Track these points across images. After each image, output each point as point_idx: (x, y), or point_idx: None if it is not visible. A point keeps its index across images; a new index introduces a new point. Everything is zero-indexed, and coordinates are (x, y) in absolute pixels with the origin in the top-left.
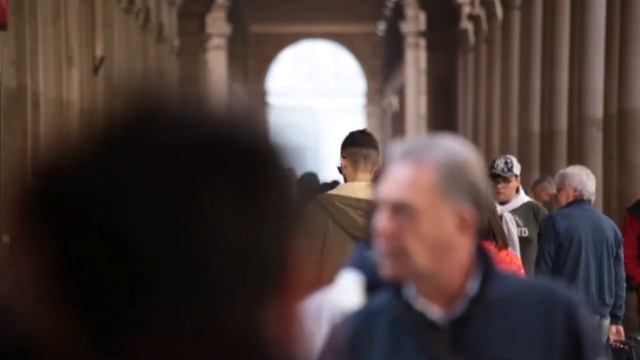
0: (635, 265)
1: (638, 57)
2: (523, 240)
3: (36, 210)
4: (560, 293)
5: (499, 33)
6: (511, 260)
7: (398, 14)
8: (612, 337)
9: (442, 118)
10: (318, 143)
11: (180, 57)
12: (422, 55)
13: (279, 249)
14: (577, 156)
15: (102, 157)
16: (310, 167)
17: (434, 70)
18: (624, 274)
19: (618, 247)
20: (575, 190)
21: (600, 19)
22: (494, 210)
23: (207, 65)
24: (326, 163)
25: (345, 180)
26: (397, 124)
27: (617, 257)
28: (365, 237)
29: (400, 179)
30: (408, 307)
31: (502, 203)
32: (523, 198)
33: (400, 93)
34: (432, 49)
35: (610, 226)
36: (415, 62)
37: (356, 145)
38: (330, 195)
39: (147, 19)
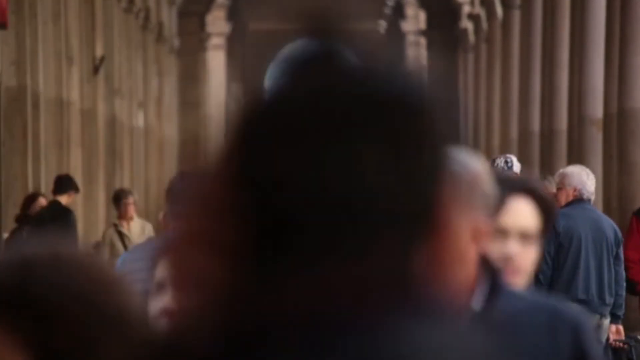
0: None
1: (638, 57)
2: None
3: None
4: (567, 312)
5: (499, 32)
6: None
7: (398, 12)
8: (612, 337)
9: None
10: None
11: (180, 56)
12: (422, 54)
13: (431, 198)
14: (577, 156)
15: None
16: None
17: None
18: (624, 273)
19: (618, 246)
20: (575, 189)
21: (600, 19)
22: None
23: (207, 64)
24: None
25: None
26: None
27: (617, 257)
28: None
29: None
30: None
31: None
32: None
33: None
34: (432, 48)
35: (610, 225)
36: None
37: None
38: None
39: (147, 18)
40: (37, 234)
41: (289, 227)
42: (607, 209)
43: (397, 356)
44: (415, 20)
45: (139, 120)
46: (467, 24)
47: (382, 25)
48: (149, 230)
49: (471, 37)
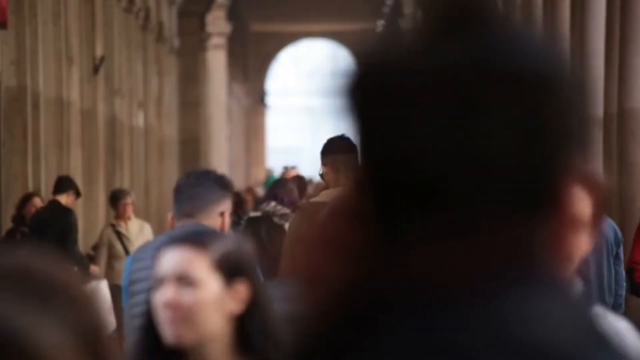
0: None
1: (638, 57)
2: None
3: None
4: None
5: None
6: None
7: (397, 11)
8: None
9: None
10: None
11: (180, 56)
12: None
13: (557, 169)
14: None
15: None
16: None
17: None
18: (623, 273)
19: (618, 246)
20: None
21: (600, 19)
22: None
23: (207, 64)
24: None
25: (327, 187)
26: None
27: (616, 257)
28: None
29: None
30: None
31: None
32: None
33: None
34: None
35: (610, 225)
36: None
37: (336, 152)
38: (313, 203)
39: (147, 18)
40: (35, 235)
41: (426, 198)
42: (607, 209)
43: (523, 324)
44: (413, 19)
45: (139, 120)
46: None
47: (381, 24)
48: (148, 230)
49: None
